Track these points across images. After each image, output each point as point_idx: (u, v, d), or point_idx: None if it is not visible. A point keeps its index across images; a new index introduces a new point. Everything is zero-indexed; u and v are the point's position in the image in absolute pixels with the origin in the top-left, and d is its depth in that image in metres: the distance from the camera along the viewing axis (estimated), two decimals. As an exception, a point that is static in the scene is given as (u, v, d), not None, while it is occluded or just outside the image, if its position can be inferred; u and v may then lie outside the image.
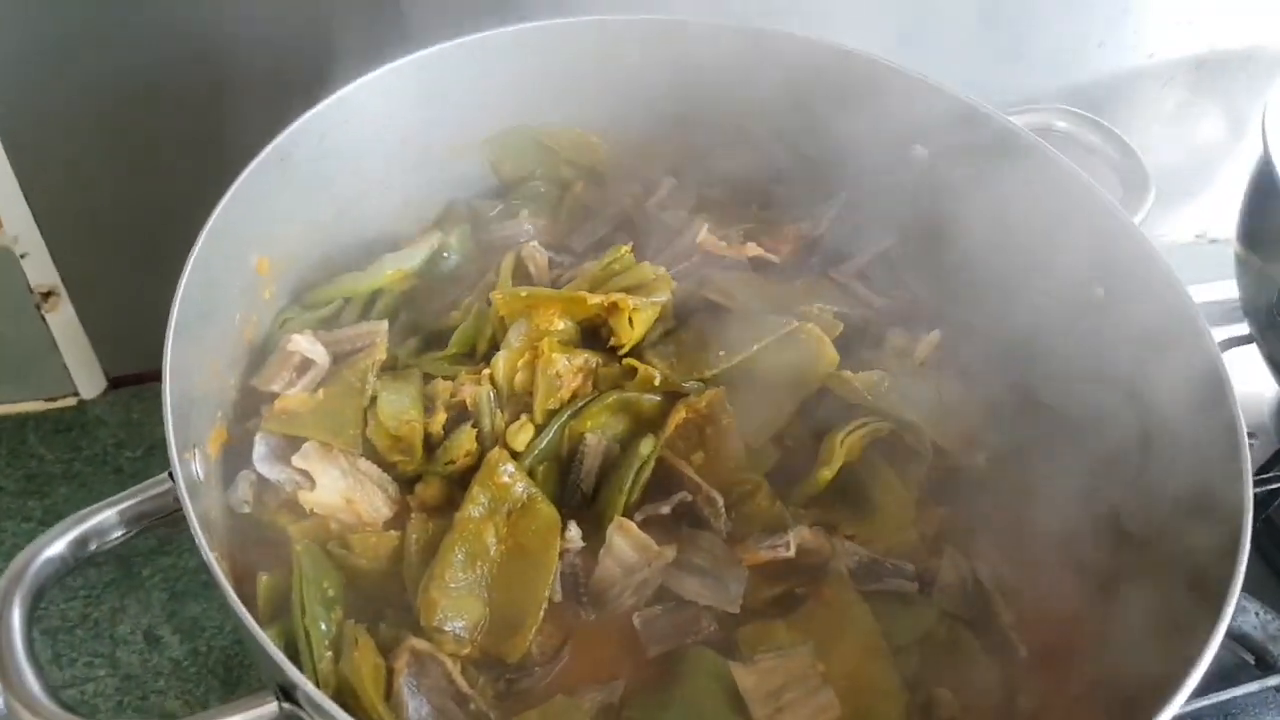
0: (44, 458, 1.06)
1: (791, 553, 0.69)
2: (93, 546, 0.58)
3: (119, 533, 0.59)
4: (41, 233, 0.95)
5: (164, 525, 0.62)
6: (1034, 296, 0.81)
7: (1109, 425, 0.75)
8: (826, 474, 0.72)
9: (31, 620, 0.55)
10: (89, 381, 1.08)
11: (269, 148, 0.70)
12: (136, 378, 1.11)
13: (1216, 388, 0.67)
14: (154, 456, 1.07)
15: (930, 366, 0.79)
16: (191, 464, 0.63)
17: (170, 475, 0.60)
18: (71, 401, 1.09)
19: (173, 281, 1.01)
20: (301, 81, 0.83)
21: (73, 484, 1.04)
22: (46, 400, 1.08)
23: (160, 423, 1.08)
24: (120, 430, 1.08)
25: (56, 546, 0.57)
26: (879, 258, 0.87)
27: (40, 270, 0.97)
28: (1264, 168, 0.95)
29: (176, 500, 0.59)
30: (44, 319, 1.00)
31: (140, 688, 0.93)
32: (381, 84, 0.77)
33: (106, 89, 0.87)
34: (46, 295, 0.99)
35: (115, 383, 1.11)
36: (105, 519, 0.59)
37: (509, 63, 0.83)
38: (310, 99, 0.75)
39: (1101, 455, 0.74)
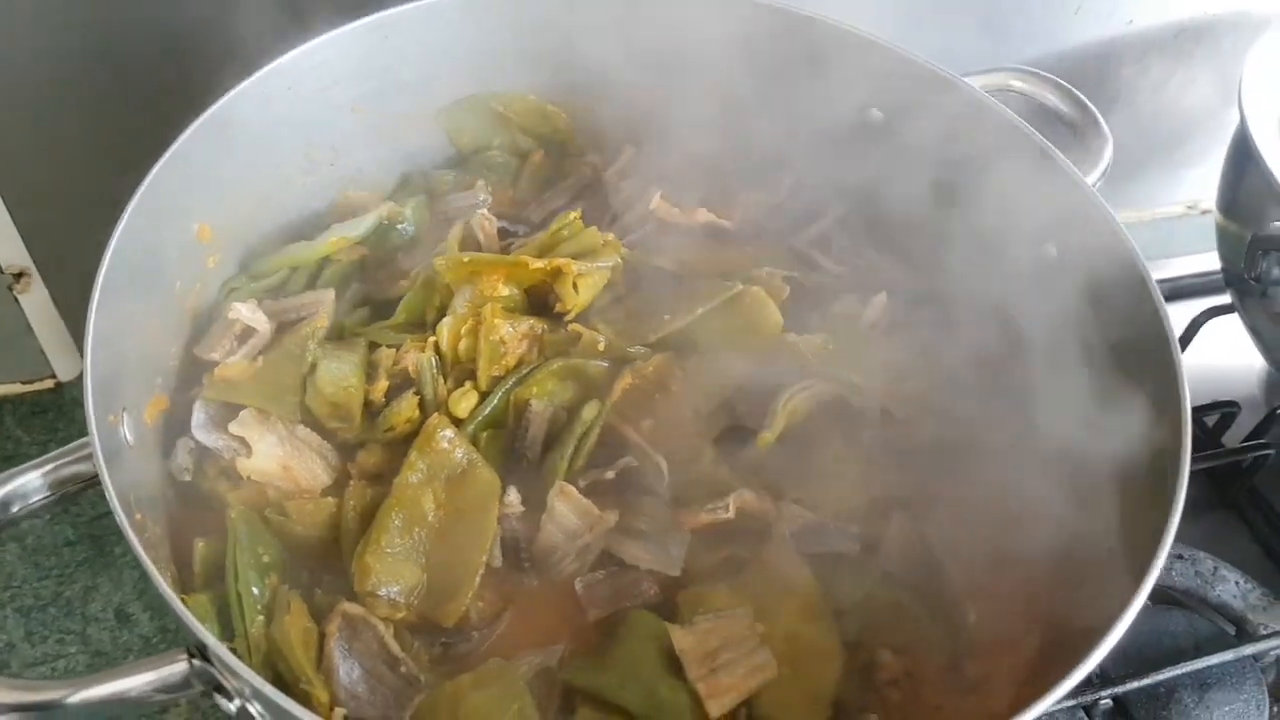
0: (20, 439, 1.07)
1: (731, 514, 0.68)
2: (15, 509, 0.58)
3: (42, 495, 0.59)
4: (9, 212, 0.95)
5: (89, 488, 0.61)
6: (992, 259, 0.79)
7: (1062, 387, 0.73)
8: (768, 437, 0.71)
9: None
10: (65, 363, 1.09)
11: (206, 114, 0.70)
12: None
13: (1160, 342, 0.65)
14: (129, 437, 1.08)
15: (881, 332, 0.78)
16: (120, 428, 0.63)
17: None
18: (49, 384, 1.09)
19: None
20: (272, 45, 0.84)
21: (47, 464, 1.05)
22: (23, 383, 1.09)
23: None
24: (95, 411, 1.09)
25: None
26: (838, 224, 0.86)
27: (10, 250, 0.98)
28: (1240, 133, 0.93)
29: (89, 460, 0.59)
30: (16, 300, 1.01)
31: (110, 664, 0.94)
32: (325, 51, 0.76)
33: (67, 53, 0.86)
34: (18, 276, 1.00)
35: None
36: (28, 481, 0.59)
37: (463, 28, 0.83)
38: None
39: (1053, 418, 0.73)
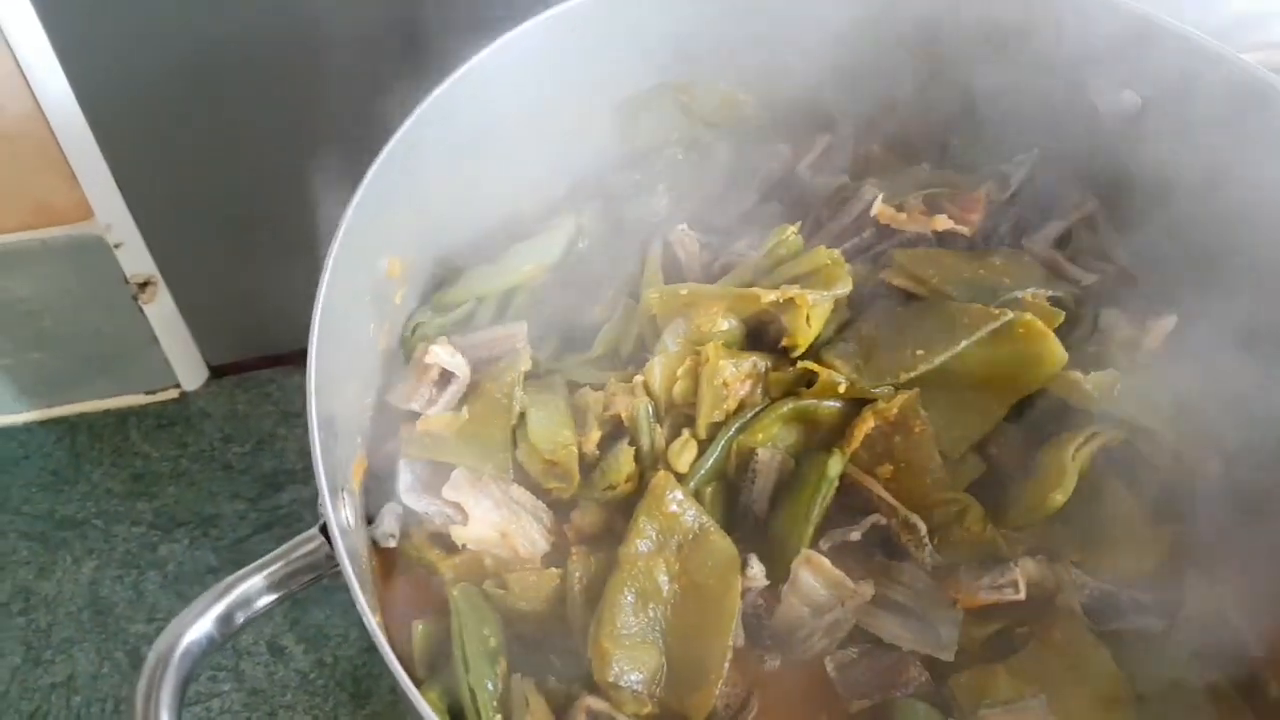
0: (149, 455, 1.00)
1: (1021, 595, 0.59)
2: (240, 620, 0.51)
3: (267, 599, 0.52)
4: (135, 220, 0.88)
5: (314, 585, 0.54)
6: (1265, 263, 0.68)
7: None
8: (1059, 498, 0.62)
9: (180, 716, 0.48)
10: (190, 372, 1.02)
11: (396, 137, 0.61)
12: (238, 366, 1.05)
13: None
14: (263, 451, 1.01)
15: (1160, 359, 0.68)
16: (343, 511, 0.55)
17: (322, 531, 0.52)
18: (173, 394, 1.03)
19: (272, 265, 0.94)
20: (400, 51, 0.74)
21: (181, 483, 0.99)
22: (147, 394, 1.02)
23: (267, 415, 1.04)
24: (225, 423, 1.02)
25: (202, 625, 0.49)
26: (1080, 224, 0.75)
27: (136, 260, 0.90)
28: None
29: (329, 558, 0.51)
30: (141, 310, 0.94)
31: (268, 702, 0.89)
32: (509, 50, 0.66)
33: (196, 64, 0.78)
34: (143, 285, 0.92)
35: (216, 372, 1.04)
36: (251, 586, 0.51)
37: (644, 15, 0.72)
38: (415, 70, 0.65)
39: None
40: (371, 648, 0.91)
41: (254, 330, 1.03)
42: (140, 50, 0.76)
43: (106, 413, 1.02)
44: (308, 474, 1.00)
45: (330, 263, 0.56)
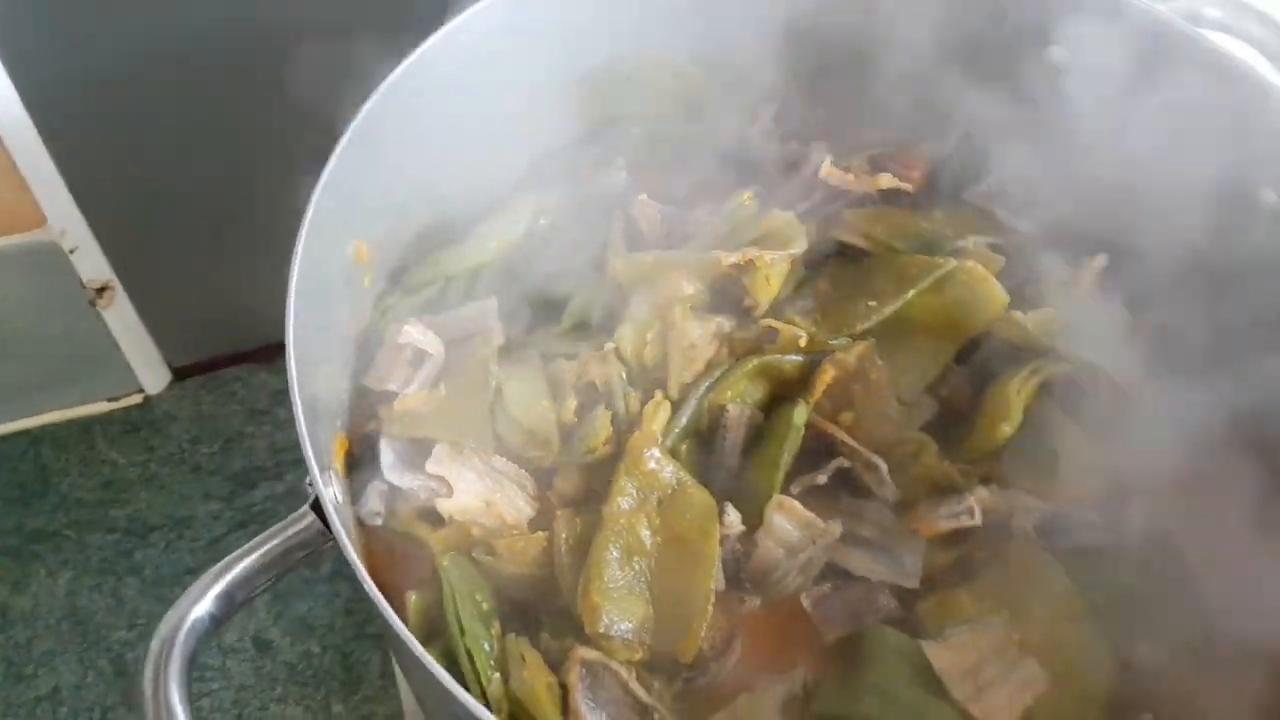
0: (117, 462, 1.01)
1: (977, 520, 0.64)
2: (239, 599, 0.52)
3: (264, 578, 0.53)
4: (90, 225, 0.88)
5: (306, 563, 0.56)
6: (1198, 208, 0.73)
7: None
8: (1006, 429, 0.66)
9: (190, 696, 0.50)
10: (152, 376, 1.02)
11: (355, 122, 0.63)
12: (200, 366, 1.06)
13: None
14: (232, 450, 1.02)
15: (1095, 295, 0.72)
16: (331, 488, 0.57)
17: (313, 508, 0.54)
18: (137, 399, 1.03)
19: (229, 262, 0.95)
20: (361, 37, 0.76)
21: (151, 487, 0.99)
22: (110, 400, 1.02)
23: (233, 414, 1.04)
24: (192, 425, 1.03)
25: (204, 605, 0.51)
26: (1016, 176, 0.80)
27: (92, 265, 0.90)
28: None
29: (322, 534, 0.53)
30: (100, 316, 0.94)
31: (258, 697, 0.90)
32: (464, 31, 0.69)
33: (143, 66, 0.79)
34: (101, 291, 0.93)
35: (179, 374, 1.05)
36: (249, 565, 0.53)
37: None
38: (376, 53, 0.67)
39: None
40: (359, 635, 0.94)
41: (215, 329, 1.03)
42: (87, 53, 0.77)
43: (70, 422, 1.01)
44: (280, 470, 1.01)
45: (299, 250, 0.58)
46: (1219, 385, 0.70)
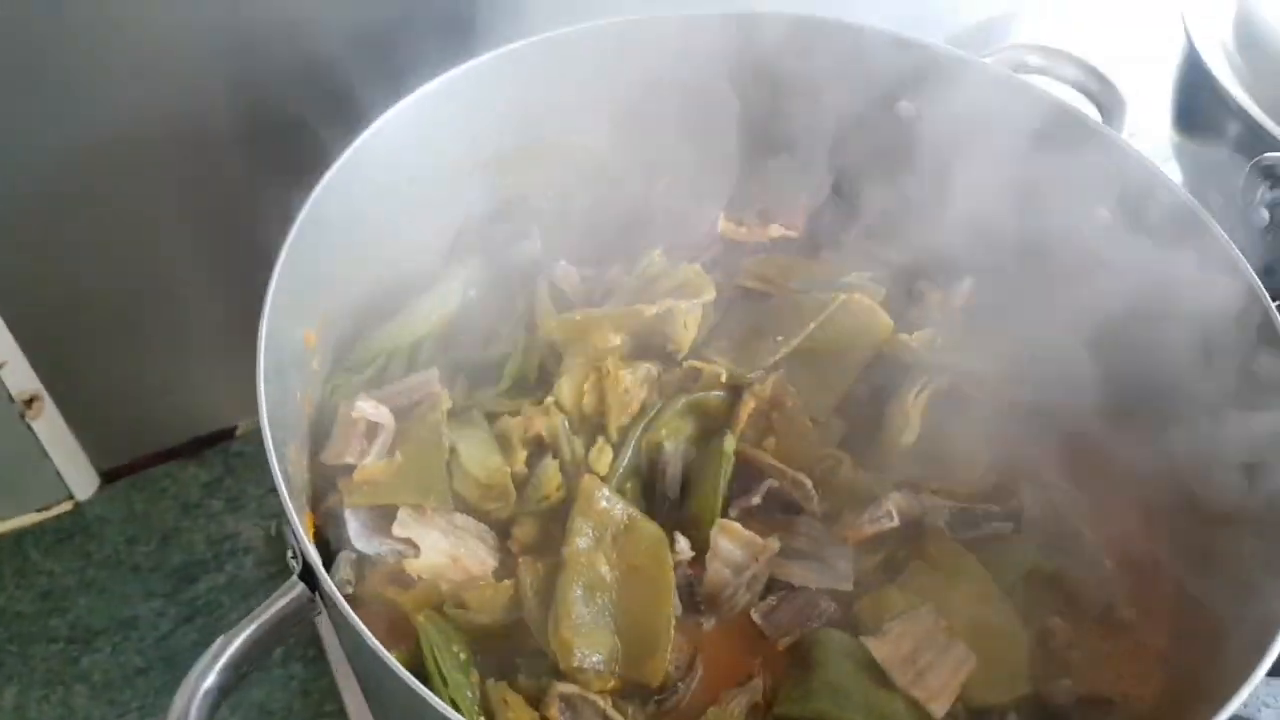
0: (53, 571, 1.00)
1: (895, 522, 0.71)
2: (243, 671, 0.55)
3: (261, 650, 0.56)
4: (16, 338, 0.89)
5: (294, 633, 0.59)
6: (1042, 231, 0.84)
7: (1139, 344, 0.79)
8: (909, 438, 0.75)
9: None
10: (82, 482, 1.02)
11: (303, 214, 0.67)
12: (129, 467, 1.06)
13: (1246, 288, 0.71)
14: (169, 546, 1.02)
15: (967, 314, 0.82)
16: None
17: (302, 577, 0.57)
18: (67, 506, 1.03)
19: (155, 363, 0.97)
20: (281, 137, 0.81)
21: (91, 592, 0.99)
22: (39, 510, 1.02)
23: (166, 510, 1.05)
24: (126, 526, 1.03)
25: (210, 678, 0.54)
26: (883, 215, 0.89)
27: (20, 377, 0.91)
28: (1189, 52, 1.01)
29: (311, 602, 0.57)
30: (29, 427, 0.94)
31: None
32: (386, 130, 0.74)
33: (58, 174, 0.81)
34: (30, 402, 0.93)
35: (108, 477, 1.05)
36: (247, 639, 0.56)
37: (499, 88, 0.81)
38: (295, 153, 0.72)
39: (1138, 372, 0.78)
40: (317, 715, 0.95)
41: (142, 429, 1.04)
42: (12, 162, 0.79)
43: (1, 536, 1.00)
44: (219, 561, 1.02)
45: (262, 345, 0.62)
46: (1078, 380, 0.81)
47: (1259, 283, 0.73)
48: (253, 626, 0.56)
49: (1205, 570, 0.72)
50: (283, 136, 0.81)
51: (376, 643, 0.52)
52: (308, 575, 0.58)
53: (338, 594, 0.54)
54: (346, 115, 0.74)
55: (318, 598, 0.58)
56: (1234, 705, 0.57)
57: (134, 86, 0.78)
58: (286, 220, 0.68)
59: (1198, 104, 1.05)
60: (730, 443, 0.74)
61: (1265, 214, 0.98)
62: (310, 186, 0.69)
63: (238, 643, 0.55)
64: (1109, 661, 0.71)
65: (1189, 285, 0.75)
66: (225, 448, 1.08)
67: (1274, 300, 0.99)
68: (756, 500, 0.74)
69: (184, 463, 1.07)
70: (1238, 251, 0.74)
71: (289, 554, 0.59)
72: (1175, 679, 0.69)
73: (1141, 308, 0.78)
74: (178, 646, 0.96)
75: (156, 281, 0.93)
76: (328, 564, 0.68)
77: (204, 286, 0.95)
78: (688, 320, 0.76)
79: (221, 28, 0.78)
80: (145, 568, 1.01)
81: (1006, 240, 0.83)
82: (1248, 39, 1.00)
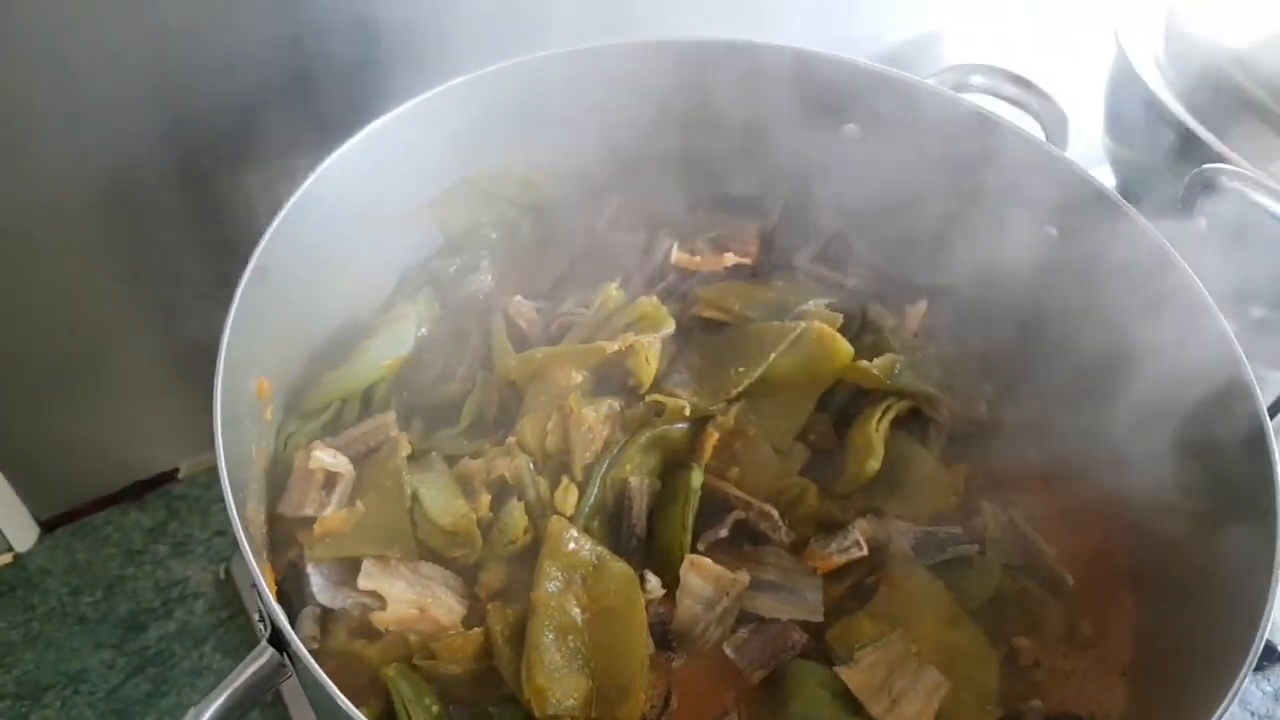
0: (-8, 627, 0.96)
1: (864, 551, 0.72)
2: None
3: (234, 716, 0.55)
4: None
5: (265, 698, 0.57)
6: (991, 249, 0.85)
7: (1087, 354, 0.81)
8: (874, 464, 0.75)
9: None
10: (21, 533, 0.99)
11: (250, 267, 0.65)
12: (69, 515, 1.02)
13: (1194, 297, 0.73)
14: (115, 595, 0.99)
15: (922, 335, 0.83)
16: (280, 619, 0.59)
17: (271, 641, 0.56)
18: (7, 559, 0.99)
19: (90, 410, 0.94)
20: (215, 184, 0.79)
21: (37, 647, 0.95)
22: (-24, 565, 0.98)
23: (110, 558, 1.02)
24: (70, 576, 0.99)
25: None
26: (833, 240, 0.90)
27: (-47, 432, 0.87)
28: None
29: (281, 667, 0.55)
30: (-35, 483, 0.90)
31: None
32: (332, 172, 0.72)
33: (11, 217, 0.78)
34: (-37, 457, 0.89)
35: (48, 526, 1.01)
36: (219, 708, 0.54)
37: (443, 124, 0.80)
38: (230, 200, 0.70)
39: (1082, 382, 0.80)
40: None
41: (81, 476, 1.01)
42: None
43: (-64, 595, 0.96)
44: (168, 608, 0.99)
45: (218, 396, 0.60)
46: (1032, 399, 0.82)
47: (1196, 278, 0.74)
48: (223, 696, 0.54)
49: (1166, 586, 0.74)
50: (216, 183, 0.79)
51: (349, 705, 0.51)
52: (277, 639, 0.56)
53: (310, 659, 0.52)
54: (283, 159, 0.72)
55: (288, 660, 0.57)
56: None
57: (63, 138, 0.75)
58: (219, 265, 0.67)
59: (1130, 113, 1.08)
60: (697, 477, 0.74)
61: (1204, 221, 1.01)
62: (249, 232, 0.67)
63: (208, 715, 0.53)
64: (1075, 679, 0.73)
65: (1137, 300, 0.77)
66: (168, 491, 1.05)
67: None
68: (724, 533, 0.74)
69: (126, 508, 1.04)
70: (1177, 255, 0.75)
71: (255, 617, 0.57)
72: (1142, 694, 0.71)
73: (1096, 321, 0.80)
74: (130, 698, 0.93)
75: (90, 330, 0.90)
76: (292, 620, 0.67)
77: (140, 334, 0.92)
78: (649, 354, 0.75)
79: (150, 75, 0.75)
80: (92, 618, 0.98)
81: (957, 260, 0.84)
82: (1178, 49, 1.03)
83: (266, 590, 0.54)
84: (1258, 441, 0.66)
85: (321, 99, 0.81)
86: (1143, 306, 0.77)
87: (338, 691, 0.51)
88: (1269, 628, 0.77)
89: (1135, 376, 0.76)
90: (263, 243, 0.66)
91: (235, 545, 0.71)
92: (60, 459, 0.98)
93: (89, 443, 0.99)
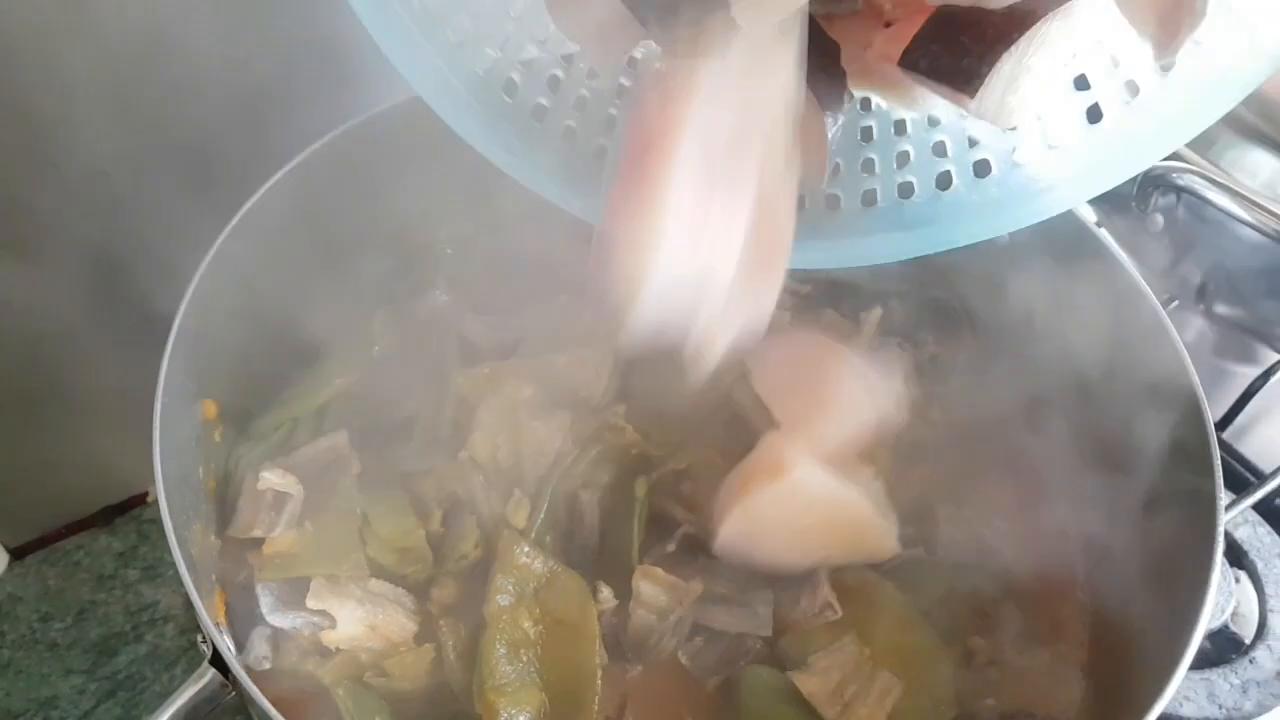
0: (-45, 658, 0.96)
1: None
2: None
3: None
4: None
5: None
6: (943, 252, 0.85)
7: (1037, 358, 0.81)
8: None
9: None
10: (-33, 563, 0.99)
11: (190, 290, 0.66)
12: (39, 542, 1.02)
13: (1134, 296, 0.73)
14: (86, 621, 0.99)
15: (874, 343, 0.83)
16: (226, 640, 0.59)
17: (213, 662, 0.56)
18: (-44, 590, 0.99)
19: (57, 435, 0.94)
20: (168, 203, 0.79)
21: (8, 674, 0.95)
22: (-72, 598, 0.98)
23: (81, 584, 1.02)
24: (40, 602, 1.00)
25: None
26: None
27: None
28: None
29: (223, 686, 0.55)
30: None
31: None
32: (283, 188, 0.73)
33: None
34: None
35: (17, 553, 1.01)
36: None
37: (388, 141, 0.80)
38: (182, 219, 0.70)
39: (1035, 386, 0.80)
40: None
41: (50, 501, 1.01)
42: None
43: (-94, 625, 0.96)
44: (139, 632, 0.99)
45: (158, 421, 0.60)
46: (985, 400, 0.82)
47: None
48: (165, 716, 0.54)
49: (1117, 579, 0.74)
50: (169, 203, 0.79)
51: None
52: (218, 660, 0.56)
53: (247, 678, 0.53)
54: (231, 179, 0.73)
55: (230, 681, 0.57)
56: (1156, 711, 0.58)
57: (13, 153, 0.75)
58: (177, 284, 0.67)
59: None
60: (642, 485, 0.74)
61: (1160, 219, 1.01)
62: (201, 251, 0.68)
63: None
64: (1030, 677, 0.72)
65: (1091, 299, 0.78)
66: (138, 514, 1.05)
67: (1170, 302, 1.02)
68: (672, 547, 0.74)
69: (96, 533, 1.04)
70: (1133, 269, 0.75)
71: (199, 639, 0.58)
72: (1097, 689, 0.71)
73: (1051, 326, 0.81)
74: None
75: (46, 364, 0.90)
76: (244, 640, 0.67)
77: (101, 360, 0.92)
78: (598, 368, 0.75)
79: (103, 93, 0.76)
80: (62, 645, 0.98)
81: (909, 264, 0.84)
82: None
83: (204, 611, 0.54)
84: (1198, 431, 0.66)
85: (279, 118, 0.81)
86: (1081, 294, 0.77)
87: (275, 712, 0.52)
88: (1220, 617, 0.78)
89: (1077, 365, 0.77)
90: (203, 267, 0.66)
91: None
92: (30, 485, 0.98)
93: (58, 468, 0.99)
